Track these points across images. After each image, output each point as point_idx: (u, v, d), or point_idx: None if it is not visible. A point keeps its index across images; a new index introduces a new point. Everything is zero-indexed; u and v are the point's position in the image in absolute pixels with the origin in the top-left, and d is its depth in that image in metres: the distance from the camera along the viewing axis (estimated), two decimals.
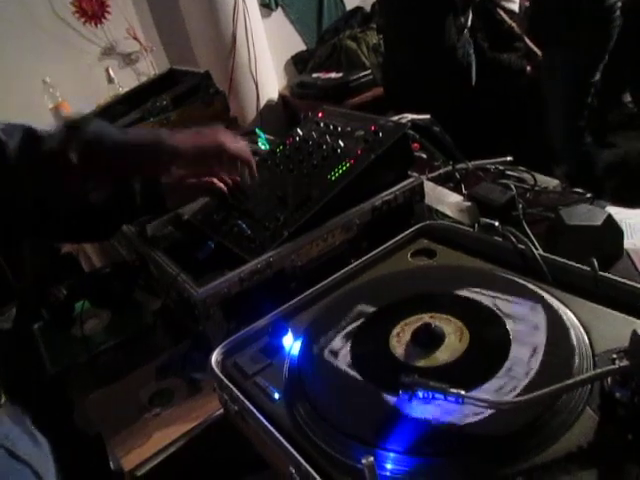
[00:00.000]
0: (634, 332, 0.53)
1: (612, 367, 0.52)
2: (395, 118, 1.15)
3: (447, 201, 1.12)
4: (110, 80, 2.79)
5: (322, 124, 1.18)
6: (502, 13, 3.05)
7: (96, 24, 2.97)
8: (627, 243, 0.97)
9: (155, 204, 1.04)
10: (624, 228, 1.00)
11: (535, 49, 2.84)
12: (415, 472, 0.51)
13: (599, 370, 0.54)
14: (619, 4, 2.30)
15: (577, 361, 0.57)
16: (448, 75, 2.38)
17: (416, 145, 1.31)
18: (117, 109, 2.26)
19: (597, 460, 0.49)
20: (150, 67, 3.14)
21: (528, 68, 2.97)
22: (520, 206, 1.09)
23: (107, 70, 2.81)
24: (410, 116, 1.15)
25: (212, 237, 0.99)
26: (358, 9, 3.80)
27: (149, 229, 1.19)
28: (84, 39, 2.97)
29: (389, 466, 0.52)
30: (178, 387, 0.89)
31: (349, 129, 1.11)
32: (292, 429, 0.59)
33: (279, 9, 3.62)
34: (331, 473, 0.53)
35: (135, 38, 3.05)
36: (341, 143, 1.07)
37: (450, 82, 2.37)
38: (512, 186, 1.13)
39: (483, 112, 2.49)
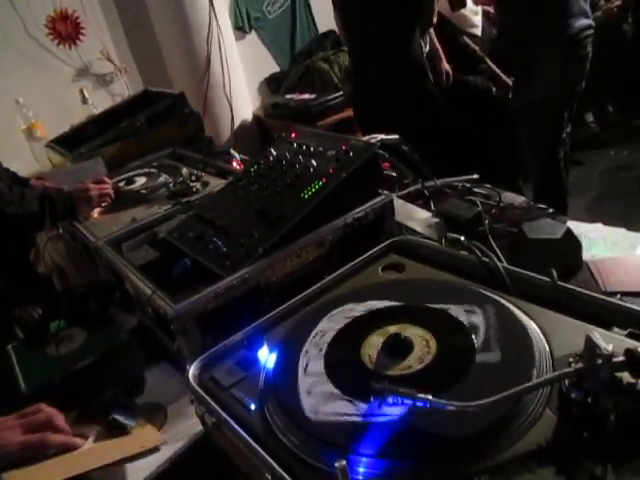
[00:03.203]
0: (587, 337, 0.56)
1: (568, 370, 0.56)
2: (365, 138, 1.19)
3: (416, 217, 1.16)
4: (84, 101, 2.80)
5: (295, 144, 1.21)
6: (466, 38, 3.16)
7: (70, 46, 2.97)
8: (586, 255, 1.02)
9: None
10: (584, 242, 1.05)
11: (498, 71, 2.94)
12: (386, 474, 0.54)
13: (557, 373, 0.58)
14: (588, 33, 2.35)
15: (537, 365, 0.61)
16: (415, 85, 2.45)
17: (386, 164, 1.36)
18: (91, 129, 2.27)
19: (556, 458, 0.52)
20: (124, 88, 3.15)
21: (493, 89, 3.08)
22: (486, 221, 1.14)
23: (81, 91, 2.81)
24: (380, 136, 1.19)
25: (188, 254, 1.01)
26: (330, 32, 3.89)
27: (124, 247, 1.20)
28: (58, 60, 2.97)
29: (361, 469, 0.55)
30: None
31: (321, 149, 1.15)
32: (267, 438, 0.61)
33: (252, 32, 3.69)
34: (306, 478, 0.55)
35: (109, 59, 3.06)
36: (314, 162, 1.10)
37: (417, 97, 2.44)
38: (478, 202, 1.18)
39: (451, 132, 2.56)
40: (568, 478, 0.50)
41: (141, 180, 1.70)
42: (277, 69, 3.83)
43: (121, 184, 1.69)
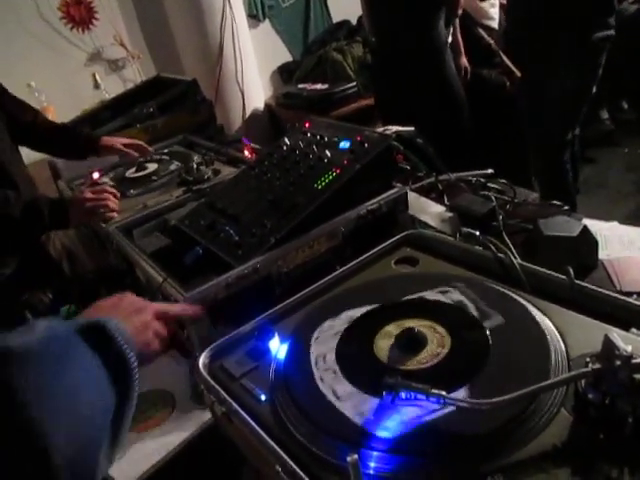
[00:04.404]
0: (606, 337, 0.55)
1: (585, 370, 0.55)
2: (380, 129, 1.18)
3: (429, 211, 1.14)
4: (96, 86, 2.80)
5: (309, 134, 1.20)
6: (481, 30, 3.12)
7: (83, 30, 2.97)
8: (602, 254, 1.01)
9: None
10: (599, 240, 1.04)
11: (512, 66, 2.90)
12: (398, 470, 0.53)
13: (573, 373, 0.57)
14: (607, 42, 2.25)
15: (553, 364, 0.60)
16: (438, 83, 2.42)
17: (400, 156, 1.35)
18: (103, 115, 2.27)
19: (571, 459, 0.51)
20: (137, 74, 3.14)
21: (507, 84, 3.04)
22: (500, 217, 1.12)
23: (93, 76, 2.81)
24: (395, 128, 1.18)
25: (199, 242, 1.00)
26: (344, 22, 3.86)
27: (135, 234, 1.20)
28: (71, 44, 2.97)
29: (373, 465, 0.54)
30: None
31: (335, 139, 1.13)
32: (278, 429, 0.61)
33: (266, 20, 3.66)
34: (317, 472, 0.55)
35: (122, 45, 3.05)
36: (327, 153, 1.09)
37: (440, 91, 2.42)
38: (492, 198, 1.17)
39: (469, 126, 2.53)
40: (583, 479, 0.49)
41: (152, 166, 1.70)
42: (290, 58, 3.81)
43: (132, 170, 1.69)
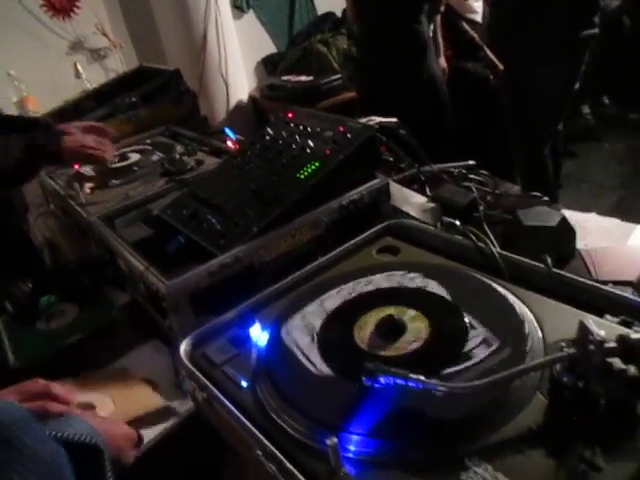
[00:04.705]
0: (581, 322, 0.57)
1: (560, 354, 0.56)
2: (363, 120, 1.18)
3: (412, 202, 1.15)
4: (78, 75, 2.76)
5: (292, 124, 1.20)
6: (465, 24, 3.14)
7: (64, 18, 2.92)
8: (580, 244, 1.03)
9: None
10: (577, 231, 1.05)
11: (495, 60, 2.91)
12: (377, 453, 0.54)
13: (548, 357, 0.58)
14: (591, 40, 2.29)
15: (529, 349, 0.61)
16: (421, 77, 2.43)
17: (383, 148, 1.35)
18: (85, 105, 2.23)
19: (546, 440, 0.52)
20: (119, 64, 3.11)
21: (491, 77, 3.06)
22: (481, 208, 1.13)
23: (75, 65, 2.77)
24: (378, 119, 1.18)
25: (181, 232, 1.00)
26: (329, 14, 3.85)
27: (117, 224, 1.19)
28: (52, 33, 2.92)
29: (352, 448, 0.55)
30: None
31: (318, 130, 1.14)
32: (259, 415, 0.61)
33: (251, 11, 3.64)
34: (297, 455, 0.56)
35: (104, 34, 3.01)
36: (310, 143, 1.09)
37: (422, 84, 2.42)
38: (474, 189, 1.18)
39: (450, 120, 2.55)
40: (558, 460, 0.50)
41: (135, 157, 1.68)
42: (274, 50, 3.79)
43: (114, 160, 1.67)
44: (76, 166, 1.68)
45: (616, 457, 0.50)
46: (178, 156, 1.54)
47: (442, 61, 2.93)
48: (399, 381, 0.58)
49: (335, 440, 0.51)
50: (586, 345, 0.55)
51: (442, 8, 2.72)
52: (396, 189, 1.19)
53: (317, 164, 1.03)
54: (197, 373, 0.68)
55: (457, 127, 2.60)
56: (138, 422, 0.76)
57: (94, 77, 2.86)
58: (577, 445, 0.51)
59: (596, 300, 0.69)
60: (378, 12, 2.40)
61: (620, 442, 0.51)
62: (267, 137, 1.20)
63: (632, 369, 0.53)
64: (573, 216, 1.10)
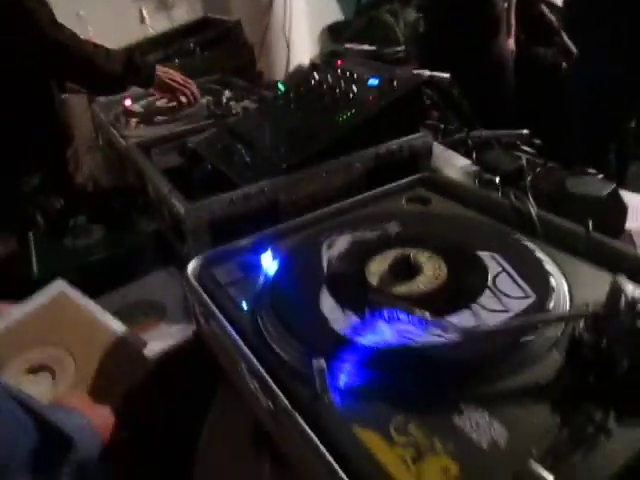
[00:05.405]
0: (614, 279, 0.51)
1: (584, 310, 0.51)
2: (415, 72, 1.12)
3: (454, 164, 1.09)
4: (142, 20, 2.78)
5: (339, 71, 1.16)
6: (544, 6, 2.97)
7: None
8: (631, 225, 0.95)
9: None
10: (631, 211, 0.97)
11: (572, 46, 2.75)
12: (367, 385, 0.50)
13: (571, 311, 0.53)
14: None
15: (553, 305, 0.56)
16: (489, 56, 2.32)
17: (432, 109, 1.29)
18: (144, 48, 2.25)
19: (554, 397, 0.48)
20: (185, 15, 3.11)
21: (564, 64, 2.89)
22: (528, 178, 1.06)
23: (140, 10, 2.79)
24: (429, 72, 1.12)
25: (211, 161, 0.98)
26: None
27: (153, 153, 1.18)
28: None
29: (343, 378, 0.51)
30: None
31: (365, 76, 1.09)
32: (253, 337, 0.59)
33: None
34: (284, 379, 0.53)
35: None
36: (354, 88, 1.05)
37: (489, 64, 2.32)
38: (523, 157, 1.10)
39: (516, 106, 2.43)
40: (563, 418, 0.45)
41: (182, 98, 1.68)
42: (342, 17, 3.71)
43: (163, 100, 1.67)
44: (127, 102, 1.69)
45: (629, 423, 0.44)
46: (225, 100, 1.52)
47: (510, 42, 2.79)
48: (402, 316, 0.54)
49: (322, 361, 0.48)
50: (617, 303, 0.50)
51: None
52: (440, 150, 1.13)
53: (357, 109, 0.99)
54: (199, 289, 0.66)
55: (518, 113, 2.48)
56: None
57: (159, 26, 2.87)
58: (588, 405, 0.46)
59: (637, 270, 0.62)
60: None
61: (637, 409, 0.45)
62: (312, 81, 1.16)
63: None
64: (632, 198, 1.02)
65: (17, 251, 1.14)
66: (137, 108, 1.62)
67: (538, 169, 1.14)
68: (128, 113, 1.56)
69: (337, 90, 1.07)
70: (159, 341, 0.76)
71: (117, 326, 0.73)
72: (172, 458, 0.65)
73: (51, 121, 1.55)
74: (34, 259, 1.07)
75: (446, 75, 1.15)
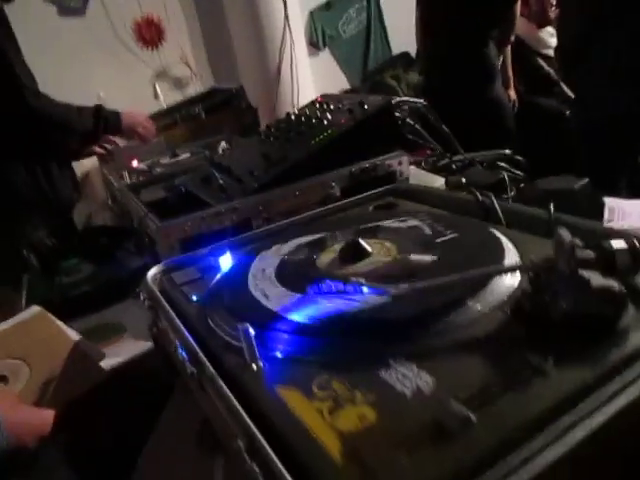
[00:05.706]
0: (557, 232, 0.49)
1: (526, 263, 0.49)
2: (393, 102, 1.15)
3: (431, 183, 1.09)
4: (156, 96, 2.96)
5: (318, 105, 1.20)
6: (540, 60, 3.05)
7: (152, 49, 3.18)
8: (615, 224, 0.92)
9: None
10: (617, 214, 0.95)
11: (572, 95, 2.78)
12: (303, 352, 0.48)
13: (512, 263, 0.51)
14: None
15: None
16: (486, 98, 2.38)
17: (424, 152, 1.31)
18: (154, 117, 2.38)
19: (491, 349, 0.45)
20: (197, 92, 3.31)
21: (567, 113, 2.92)
22: (511, 193, 1.05)
23: (154, 86, 2.98)
24: (405, 98, 1.15)
25: (186, 186, 1.01)
26: (404, 54, 3.91)
27: (143, 192, 1.23)
28: (140, 61, 3.18)
29: (279, 347, 0.50)
30: None
31: (340, 105, 1.12)
32: (197, 322, 0.58)
33: (326, 49, 3.77)
34: (222, 356, 0.51)
35: (187, 64, 3.23)
36: (329, 115, 1.08)
37: (486, 105, 2.37)
38: (504, 173, 1.10)
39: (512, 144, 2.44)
40: (498, 366, 0.42)
41: (185, 155, 1.76)
42: (347, 86, 3.88)
43: (166, 159, 1.75)
44: (134, 162, 1.78)
45: (568, 366, 0.41)
46: (221, 151, 1.59)
47: (512, 93, 2.85)
48: (338, 287, 0.53)
49: (246, 324, 0.47)
50: (559, 255, 0.48)
51: (512, 38, 2.67)
52: (416, 172, 1.14)
53: (329, 131, 1.01)
54: (154, 288, 0.66)
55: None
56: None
57: (170, 100, 3.06)
58: (527, 352, 0.43)
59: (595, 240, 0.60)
60: (446, 34, 2.40)
61: (577, 354, 0.42)
62: (292, 116, 1.20)
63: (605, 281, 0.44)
64: (613, 201, 1.00)
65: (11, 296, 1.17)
66: (143, 167, 1.70)
67: (522, 185, 1.13)
68: (133, 170, 1.64)
69: (313, 119, 1.10)
70: (117, 356, 0.75)
71: (78, 339, 0.73)
72: (115, 465, 0.62)
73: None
74: (24, 300, 1.09)
75: (420, 100, 1.18)
